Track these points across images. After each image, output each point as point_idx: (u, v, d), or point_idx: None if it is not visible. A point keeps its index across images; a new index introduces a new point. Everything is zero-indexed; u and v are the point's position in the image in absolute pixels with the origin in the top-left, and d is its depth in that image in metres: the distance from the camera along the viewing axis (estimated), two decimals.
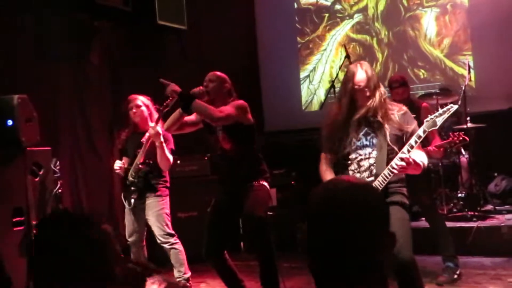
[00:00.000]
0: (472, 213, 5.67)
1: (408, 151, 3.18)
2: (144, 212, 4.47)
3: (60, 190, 4.64)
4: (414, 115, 3.50)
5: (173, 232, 4.46)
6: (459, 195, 6.02)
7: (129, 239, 4.53)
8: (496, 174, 6.66)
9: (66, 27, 5.51)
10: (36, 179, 4.29)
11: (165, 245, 4.39)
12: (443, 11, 7.35)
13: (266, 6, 8.38)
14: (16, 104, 4.09)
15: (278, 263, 3.97)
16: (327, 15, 8.04)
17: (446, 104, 3.32)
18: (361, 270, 1.32)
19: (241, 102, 4.00)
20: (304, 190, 6.56)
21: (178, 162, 5.87)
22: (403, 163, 3.13)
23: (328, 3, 8.04)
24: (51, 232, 1.46)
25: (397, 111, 3.36)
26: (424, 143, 3.80)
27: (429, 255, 4.96)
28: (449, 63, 7.32)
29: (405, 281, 3.19)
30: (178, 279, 4.31)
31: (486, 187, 6.45)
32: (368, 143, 3.33)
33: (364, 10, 7.81)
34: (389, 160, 3.24)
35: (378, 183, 3.20)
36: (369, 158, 3.32)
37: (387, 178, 3.20)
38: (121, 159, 4.64)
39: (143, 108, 4.55)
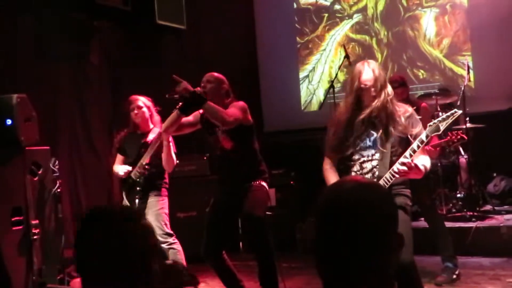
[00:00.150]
0: (471, 213, 5.67)
1: (411, 156, 3.13)
2: (144, 212, 4.47)
3: (59, 190, 4.64)
4: None
5: (171, 232, 4.46)
6: (458, 195, 6.01)
7: None
8: (495, 175, 6.66)
9: (66, 27, 5.51)
10: (35, 179, 4.29)
11: (164, 245, 4.39)
12: (442, 12, 7.35)
13: (265, 6, 8.38)
14: (15, 104, 4.10)
15: (277, 263, 3.96)
16: (326, 15, 8.04)
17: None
18: (368, 270, 1.31)
19: (242, 103, 4.00)
20: (304, 190, 6.57)
21: (177, 162, 5.85)
22: (405, 168, 3.10)
23: (328, 3, 8.04)
24: (94, 228, 1.49)
25: (403, 113, 3.30)
26: None
27: (428, 255, 4.95)
28: (448, 63, 7.32)
29: (404, 282, 3.19)
30: None
31: (485, 187, 6.45)
32: (371, 144, 3.28)
33: (363, 10, 7.80)
34: (392, 162, 3.19)
35: None
36: (371, 160, 3.27)
37: (389, 181, 3.16)
38: (115, 157, 4.67)
39: (145, 109, 4.56)
